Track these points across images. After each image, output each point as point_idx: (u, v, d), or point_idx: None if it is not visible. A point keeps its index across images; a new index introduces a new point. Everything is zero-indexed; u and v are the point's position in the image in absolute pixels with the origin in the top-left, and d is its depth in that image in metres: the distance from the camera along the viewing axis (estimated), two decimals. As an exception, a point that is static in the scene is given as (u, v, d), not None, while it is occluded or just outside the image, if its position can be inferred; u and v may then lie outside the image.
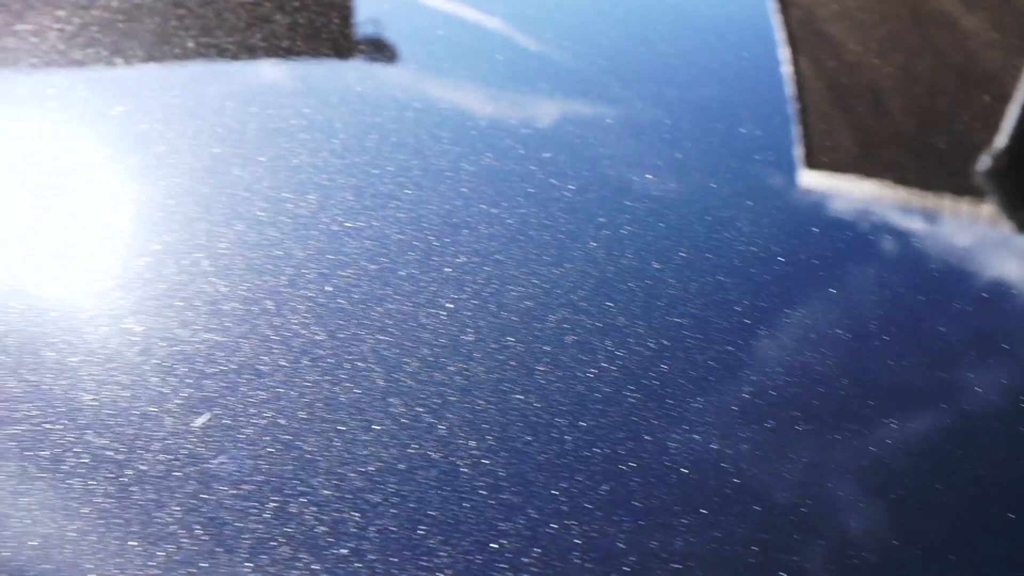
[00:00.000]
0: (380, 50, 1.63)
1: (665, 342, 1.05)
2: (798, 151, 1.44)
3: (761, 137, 1.46)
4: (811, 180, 1.38)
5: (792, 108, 1.55)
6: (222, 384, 0.97)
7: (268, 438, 0.92)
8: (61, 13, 1.64)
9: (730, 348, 1.05)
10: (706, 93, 1.56)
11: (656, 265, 1.15)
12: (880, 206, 1.34)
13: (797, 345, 1.07)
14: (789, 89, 1.59)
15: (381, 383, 0.98)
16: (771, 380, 1.02)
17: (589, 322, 1.07)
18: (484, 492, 0.89)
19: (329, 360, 1.01)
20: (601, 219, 1.23)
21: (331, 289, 1.09)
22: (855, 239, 1.26)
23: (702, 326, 1.08)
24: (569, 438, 0.94)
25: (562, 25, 1.76)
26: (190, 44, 1.58)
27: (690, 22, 1.81)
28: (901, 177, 1.45)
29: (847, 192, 1.38)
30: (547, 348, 1.03)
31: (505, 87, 1.53)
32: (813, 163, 1.43)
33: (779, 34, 1.75)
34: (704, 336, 1.06)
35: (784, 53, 1.69)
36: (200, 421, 0.93)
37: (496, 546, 0.85)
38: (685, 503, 0.90)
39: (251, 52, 1.61)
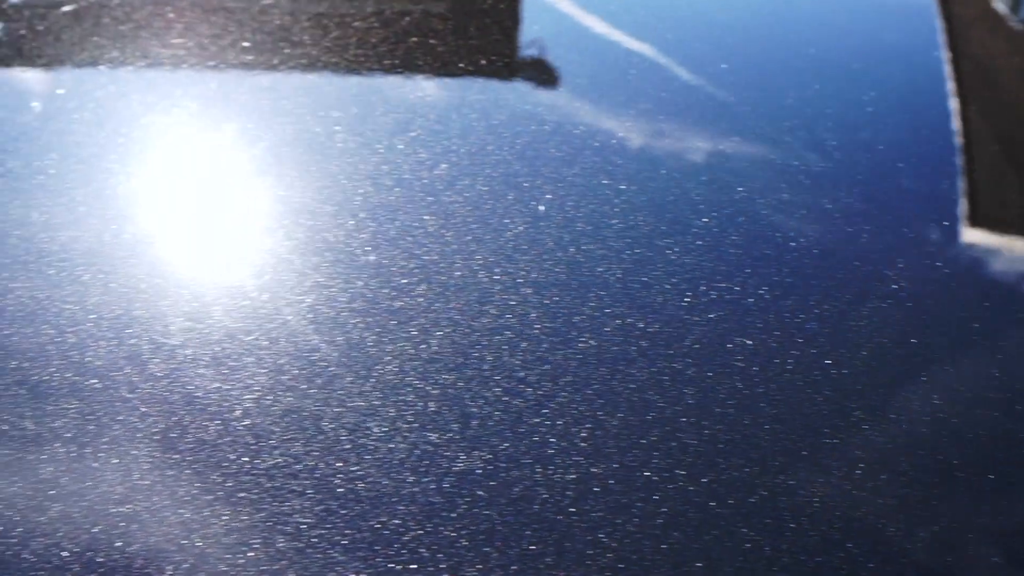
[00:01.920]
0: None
1: (808, 390, 1.08)
2: (963, 206, 1.42)
3: (924, 189, 1.45)
4: (975, 237, 1.36)
5: (959, 161, 1.51)
6: (498, 392, 1.06)
7: (552, 452, 1.01)
8: (306, 24, 1.75)
9: (878, 401, 1.08)
10: (869, 140, 1.54)
11: (802, 315, 1.18)
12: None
13: (948, 404, 1.08)
14: (957, 141, 1.56)
15: (662, 405, 1.06)
16: (917, 436, 1.04)
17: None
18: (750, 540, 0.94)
19: (597, 385, 1.08)
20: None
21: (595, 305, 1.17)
22: (1017, 300, 1.27)
23: (852, 377, 1.10)
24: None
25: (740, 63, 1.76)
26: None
27: (858, 67, 1.77)
28: (1072, 239, 1.40)
29: (1012, 251, 1.35)
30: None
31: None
32: (978, 220, 1.40)
33: (950, 85, 1.71)
34: (852, 387, 1.09)
35: (954, 105, 1.65)
36: None
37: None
38: (812, 553, 0.92)
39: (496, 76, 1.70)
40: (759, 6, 2.04)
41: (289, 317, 1.14)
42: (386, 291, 1.17)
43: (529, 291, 1.18)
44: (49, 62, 1.64)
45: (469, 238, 1.26)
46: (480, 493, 0.96)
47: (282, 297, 1.16)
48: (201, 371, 1.07)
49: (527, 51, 1.76)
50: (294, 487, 0.95)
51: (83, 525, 0.92)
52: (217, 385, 1.05)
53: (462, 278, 1.20)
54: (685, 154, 1.46)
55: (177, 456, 0.98)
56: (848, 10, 2.03)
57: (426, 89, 1.62)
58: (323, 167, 1.38)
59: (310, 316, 1.14)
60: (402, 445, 1.00)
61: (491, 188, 1.35)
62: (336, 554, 0.90)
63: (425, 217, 1.29)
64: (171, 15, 1.75)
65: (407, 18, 1.79)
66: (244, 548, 0.91)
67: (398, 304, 1.16)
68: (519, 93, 1.64)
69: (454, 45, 1.73)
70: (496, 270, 1.21)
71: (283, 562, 0.90)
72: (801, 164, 1.46)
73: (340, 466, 0.98)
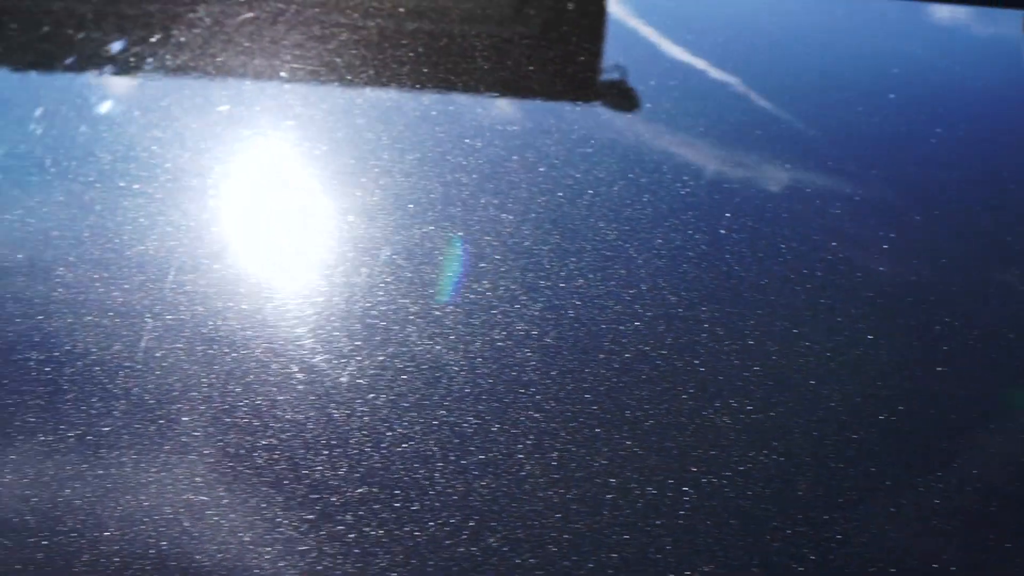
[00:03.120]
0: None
1: (878, 433, 1.08)
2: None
3: (1005, 232, 1.43)
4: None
5: None
6: (685, 399, 1.08)
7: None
8: (477, 45, 1.81)
9: (949, 444, 1.07)
10: (950, 177, 1.52)
11: (870, 357, 1.17)
12: None
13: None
14: None
15: (856, 425, 1.08)
16: (994, 478, 1.04)
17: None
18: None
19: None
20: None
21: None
22: None
23: (924, 418, 1.10)
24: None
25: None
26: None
27: (943, 103, 1.76)
28: None
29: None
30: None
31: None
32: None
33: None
34: (925, 428, 1.09)
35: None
36: None
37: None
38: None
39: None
40: (844, 42, 2.03)
41: (480, 324, 1.17)
42: (576, 301, 1.20)
43: (706, 308, 1.21)
44: (229, 68, 1.71)
45: (652, 253, 1.29)
46: (673, 496, 0.98)
47: (472, 303, 1.20)
48: (404, 371, 1.11)
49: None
50: (480, 489, 0.98)
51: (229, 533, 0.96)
52: (419, 385, 1.09)
53: (648, 292, 1.22)
54: (839, 188, 1.47)
55: (352, 453, 1.02)
56: (939, 51, 2.01)
57: (601, 111, 1.65)
58: (505, 179, 1.42)
59: (499, 321, 1.17)
60: (604, 449, 1.02)
61: (670, 206, 1.38)
62: (522, 558, 0.93)
63: (605, 230, 1.32)
64: (338, 29, 1.80)
65: (573, 38, 1.83)
66: (429, 554, 0.93)
67: (588, 314, 1.19)
68: (696, 120, 1.65)
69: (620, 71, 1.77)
70: (681, 286, 1.24)
71: (465, 565, 0.92)
72: (875, 200, 1.46)
73: (526, 467, 1.00)
